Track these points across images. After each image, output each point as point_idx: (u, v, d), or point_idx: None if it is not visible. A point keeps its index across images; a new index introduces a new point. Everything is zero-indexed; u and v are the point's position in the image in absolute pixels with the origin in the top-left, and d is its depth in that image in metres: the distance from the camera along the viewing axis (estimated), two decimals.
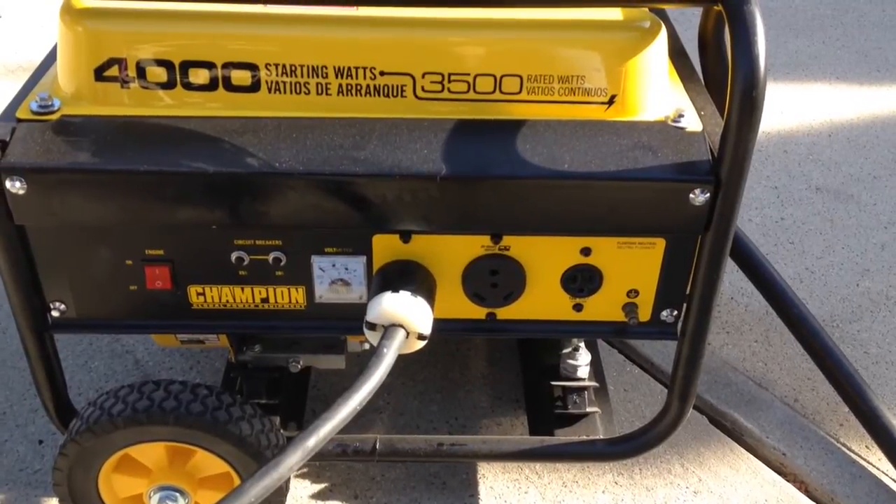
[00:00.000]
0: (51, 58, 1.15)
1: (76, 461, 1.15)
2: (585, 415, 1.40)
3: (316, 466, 1.47)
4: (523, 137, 1.07)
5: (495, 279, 1.14)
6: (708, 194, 1.05)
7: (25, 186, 1.00)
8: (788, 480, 1.55)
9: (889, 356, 1.79)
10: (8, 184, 1.00)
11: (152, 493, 1.18)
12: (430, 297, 1.10)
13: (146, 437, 1.14)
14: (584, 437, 1.36)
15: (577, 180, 1.05)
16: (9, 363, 1.66)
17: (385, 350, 1.03)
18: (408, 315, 1.06)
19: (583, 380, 1.42)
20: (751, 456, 1.59)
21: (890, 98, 2.70)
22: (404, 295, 1.06)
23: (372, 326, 1.06)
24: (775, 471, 1.56)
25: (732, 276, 1.88)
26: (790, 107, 2.62)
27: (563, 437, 1.37)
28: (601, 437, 1.38)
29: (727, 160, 1.02)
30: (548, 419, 1.40)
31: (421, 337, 1.07)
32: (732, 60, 0.97)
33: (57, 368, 1.17)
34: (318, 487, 1.45)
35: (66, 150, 1.01)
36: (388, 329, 1.05)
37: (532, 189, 1.06)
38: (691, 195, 1.05)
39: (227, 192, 1.03)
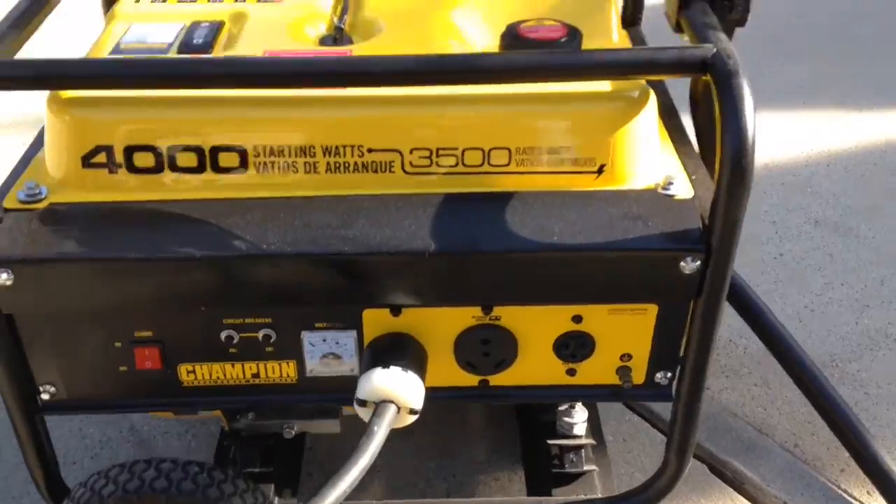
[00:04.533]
0: (38, 143, 1.15)
1: None
2: (583, 473, 1.39)
3: None
4: (512, 209, 1.07)
5: (487, 348, 1.14)
6: (698, 262, 1.05)
7: (12, 278, 1.00)
8: None
9: (889, 396, 1.78)
10: None
11: None
12: (421, 370, 1.10)
13: None
14: (583, 497, 1.35)
15: (566, 252, 1.04)
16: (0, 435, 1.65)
17: (375, 428, 1.02)
18: (399, 391, 1.05)
19: (580, 437, 1.41)
20: None
21: (887, 124, 2.69)
22: (395, 371, 1.06)
23: (363, 403, 1.06)
24: None
25: (731, 319, 1.87)
26: (787, 136, 2.61)
27: (560, 497, 1.36)
28: (599, 496, 1.37)
29: (717, 228, 1.01)
30: (545, 478, 1.40)
31: (412, 412, 1.07)
32: (721, 130, 0.96)
33: (48, 448, 1.16)
34: None
35: (53, 240, 1.01)
36: (379, 406, 1.05)
37: (522, 262, 1.05)
38: (682, 263, 1.05)
39: (215, 275, 1.03)
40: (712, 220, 1.02)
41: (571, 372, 1.17)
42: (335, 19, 1.23)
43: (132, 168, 1.05)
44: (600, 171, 1.10)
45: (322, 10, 1.27)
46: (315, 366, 1.13)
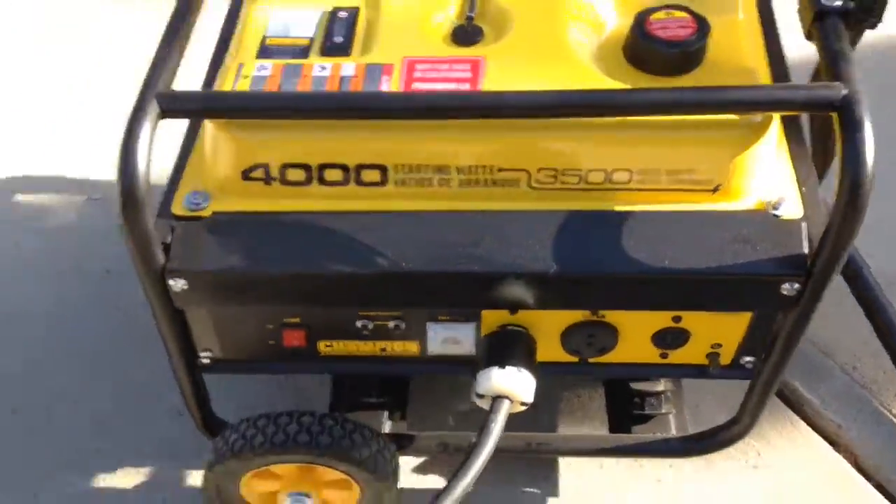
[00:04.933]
0: (187, 146, 1.25)
1: (221, 475, 1.34)
2: (660, 415, 1.55)
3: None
4: (628, 230, 1.16)
5: (591, 339, 1.26)
6: (798, 285, 1.14)
7: (186, 285, 1.13)
8: (839, 452, 1.69)
9: None
10: (171, 282, 1.12)
11: (285, 497, 1.38)
12: (532, 364, 1.24)
13: (281, 460, 1.32)
14: (659, 436, 1.52)
15: (676, 275, 1.15)
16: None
17: (493, 424, 1.18)
18: (514, 389, 1.20)
19: (659, 382, 1.56)
20: (808, 428, 1.72)
21: None
22: (510, 370, 1.20)
23: (480, 396, 1.21)
24: (829, 442, 1.70)
25: None
26: None
27: (639, 434, 1.53)
28: (674, 434, 1.54)
29: (824, 254, 1.09)
30: (625, 418, 1.56)
31: (524, 404, 1.21)
32: (841, 163, 1.02)
33: (204, 393, 1.33)
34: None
35: (221, 252, 1.13)
36: (496, 401, 1.19)
37: (635, 282, 1.16)
38: (784, 286, 1.14)
39: (359, 286, 1.15)
40: (821, 245, 1.09)
41: (664, 355, 1.30)
42: (465, 9, 1.27)
43: (285, 181, 1.16)
44: (716, 189, 1.18)
45: None
46: (436, 346, 1.27)
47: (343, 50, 1.22)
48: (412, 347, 1.28)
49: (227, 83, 1.18)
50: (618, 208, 1.18)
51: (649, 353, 1.30)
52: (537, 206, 1.17)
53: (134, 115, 1.03)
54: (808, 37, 1.20)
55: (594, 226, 1.17)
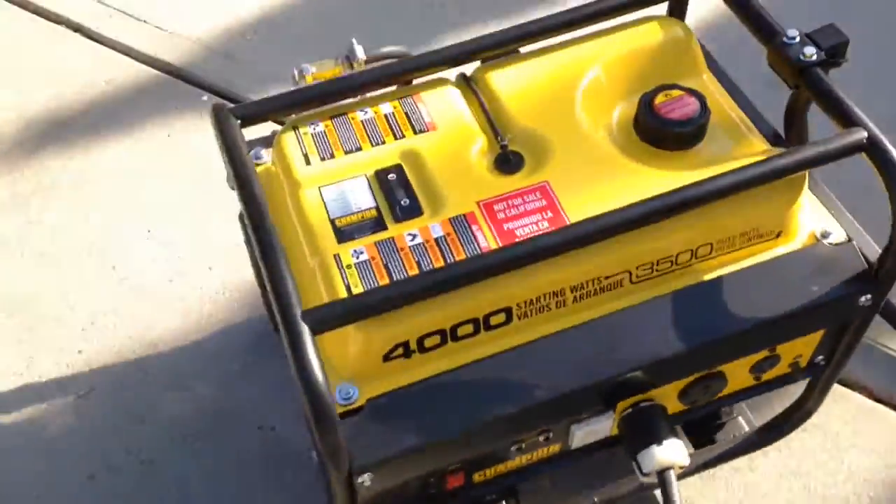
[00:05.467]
0: None
1: None
2: (732, 419, 1.71)
3: None
4: (723, 293, 1.31)
5: (706, 389, 1.40)
6: (870, 295, 1.31)
7: (371, 476, 1.18)
8: None
9: None
10: (359, 479, 1.18)
11: None
12: (673, 428, 1.36)
13: None
14: (740, 436, 1.68)
15: (777, 319, 1.29)
16: None
17: (673, 494, 1.31)
18: (675, 458, 1.32)
19: None
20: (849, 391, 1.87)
21: None
22: (666, 444, 1.32)
23: (646, 473, 1.33)
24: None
25: None
26: None
27: (724, 441, 1.68)
28: (748, 430, 1.70)
29: (887, 266, 1.28)
30: (705, 432, 1.71)
31: (682, 467, 1.34)
32: (891, 198, 1.20)
33: None
34: None
35: (393, 436, 1.19)
36: (664, 474, 1.32)
37: (744, 335, 1.30)
38: (860, 300, 1.32)
39: (517, 421, 1.24)
40: (882, 260, 1.28)
41: (758, 378, 1.46)
42: (496, 139, 1.37)
43: (423, 350, 1.23)
44: (778, 235, 1.33)
45: (472, 125, 1.39)
46: (578, 442, 1.38)
47: (415, 211, 1.30)
48: (555, 448, 1.38)
49: (332, 279, 1.23)
50: (706, 277, 1.32)
51: (747, 381, 1.45)
52: (641, 297, 1.30)
53: (292, 341, 1.08)
54: (795, 88, 1.36)
55: (695, 299, 1.30)
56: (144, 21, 2.68)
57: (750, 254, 1.33)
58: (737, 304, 1.29)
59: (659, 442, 1.32)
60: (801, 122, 1.48)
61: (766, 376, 1.46)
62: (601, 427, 1.36)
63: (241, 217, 1.56)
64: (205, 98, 2.46)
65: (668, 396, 1.38)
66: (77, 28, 2.68)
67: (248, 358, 1.93)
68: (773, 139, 1.43)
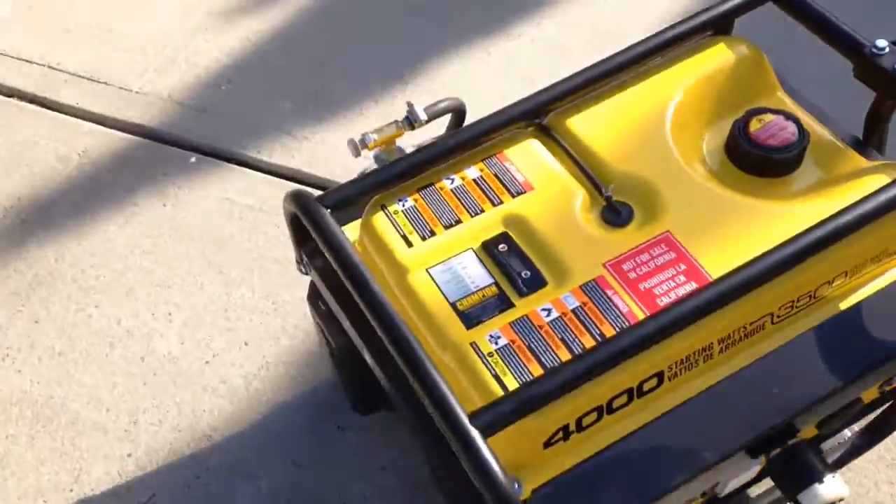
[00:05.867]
0: None
1: None
2: None
3: None
4: (864, 319, 1.27)
5: (844, 413, 1.35)
6: None
7: None
8: None
9: None
10: None
11: None
12: (825, 461, 1.32)
13: None
14: (847, 445, 1.65)
15: None
16: None
17: None
18: (837, 493, 1.28)
19: None
20: None
21: None
22: (827, 481, 1.28)
23: None
24: None
25: None
26: None
27: (833, 452, 1.65)
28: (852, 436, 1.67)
29: None
30: None
31: (841, 500, 1.30)
32: None
33: None
34: None
35: None
36: None
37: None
38: None
39: (689, 484, 1.18)
40: None
41: (882, 391, 1.42)
42: (597, 191, 1.30)
43: (581, 429, 1.15)
44: (892, 255, 1.30)
45: (567, 179, 1.32)
46: (730, 487, 1.33)
47: (539, 282, 1.22)
48: (702, 500, 1.32)
49: (478, 372, 1.15)
50: (843, 306, 1.27)
51: (873, 395, 1.41)
52: (784, 336, 1.25)
53: (464, 447, 1.02)
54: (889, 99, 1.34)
55: (838, 330, 1.26)
56: (105, 83, 2.52)
57: (876, 273, 1.29)
58: (880, 327, 1.25)
59: (820, 480, 1.27)
60: (882, 129, 1.45)
61: (889, 388, 1.42)
62: (751, 472, 1.31)
63: (309, 297, 1.47)
64: (193, 160, 2.32)
65: (811, 430, 1.34)
66: (31, 99, 2.51)
67: (312, 437, 1.82)
68: (856, 146, 1.39)
